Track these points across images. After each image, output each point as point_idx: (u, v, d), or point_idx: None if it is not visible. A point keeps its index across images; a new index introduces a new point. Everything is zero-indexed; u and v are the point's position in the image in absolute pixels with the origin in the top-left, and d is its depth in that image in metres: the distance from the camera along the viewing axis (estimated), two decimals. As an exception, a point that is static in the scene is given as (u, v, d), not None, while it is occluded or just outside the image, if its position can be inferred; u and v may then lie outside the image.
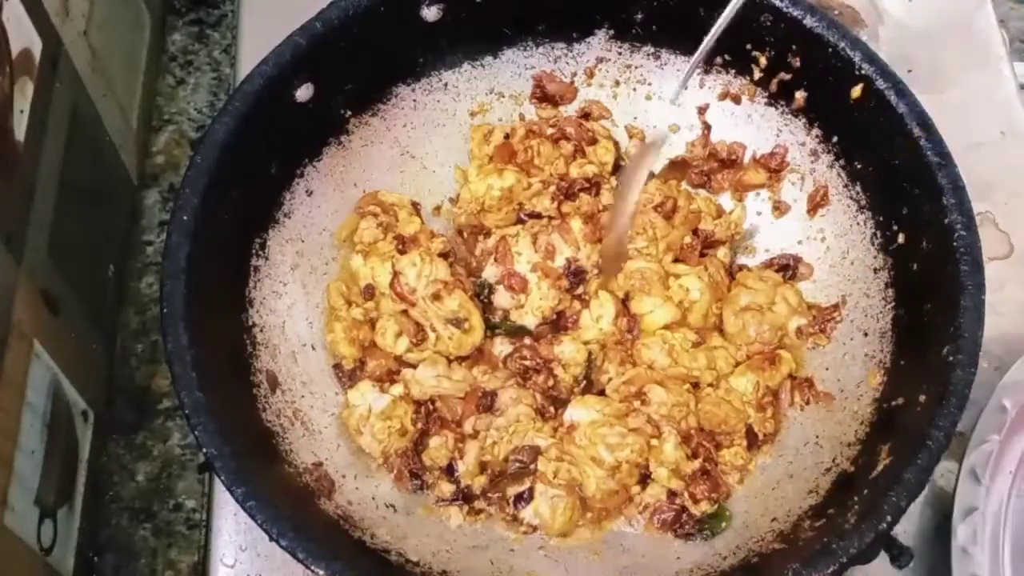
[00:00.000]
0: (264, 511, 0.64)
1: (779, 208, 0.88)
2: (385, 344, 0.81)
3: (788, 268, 0.86)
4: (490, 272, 0.85)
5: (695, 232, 0.86)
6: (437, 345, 0.81)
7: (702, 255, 0.86)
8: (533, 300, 0.84)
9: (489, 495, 0.78)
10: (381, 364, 0.81)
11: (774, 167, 0.88)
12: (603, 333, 0.82)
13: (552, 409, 0.81)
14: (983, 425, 0.80)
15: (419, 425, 0.79)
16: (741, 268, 0.87)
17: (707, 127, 0.90)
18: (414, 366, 0.81)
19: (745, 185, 0.89)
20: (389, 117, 0.89)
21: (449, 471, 0.79)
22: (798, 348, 0.83)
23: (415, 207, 0.88)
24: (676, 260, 0.86)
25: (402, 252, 0.83)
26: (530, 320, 0.84)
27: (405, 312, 0.82)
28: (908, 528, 0.81)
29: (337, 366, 0.82)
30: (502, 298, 0.85)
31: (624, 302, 0.84)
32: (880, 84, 0.77)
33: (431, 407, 0.80)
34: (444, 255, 0.84)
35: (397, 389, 0.80)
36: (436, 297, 0.81)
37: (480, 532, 0.77)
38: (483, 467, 0.79)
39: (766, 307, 0.83)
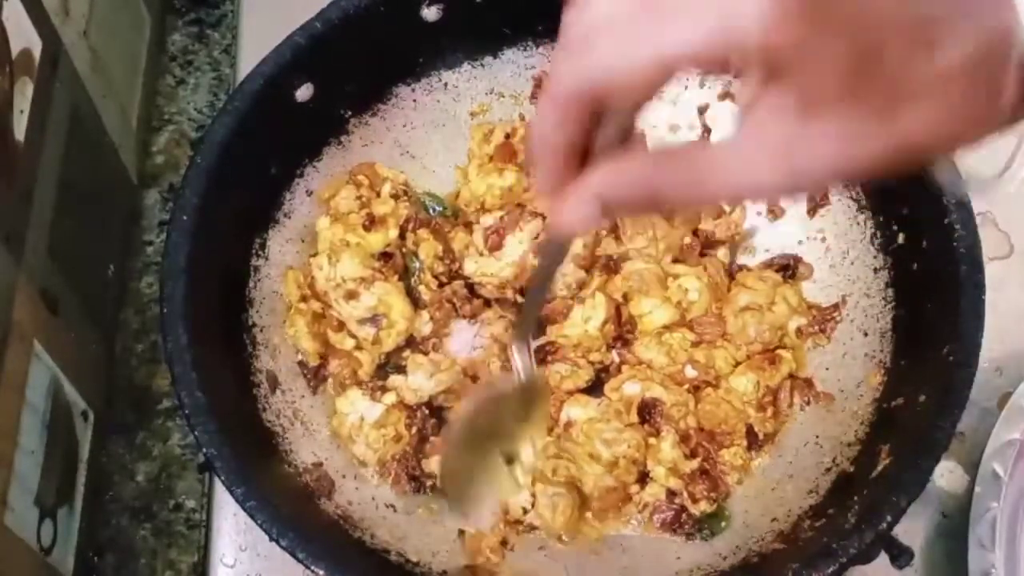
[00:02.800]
0: (264, 511, 0.64)
1: (774, 212, 0.88)
2: (336, 340, 0.81)
3: (788, 268, 0.86)
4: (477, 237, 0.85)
5: (695, 232, 0.86)
6: (362, 344, 0.81)
7: (702, 255, 0.86)
8: (502, 260, 0.83)
9: None
10: (344, 363, 0.81)
11: None
12: (588, 336, 0.82)
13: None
14: (1003, 424, 0.80)
15: (414, 430, 0.79)
16: (741, 268, 0.87)
17: (707, 130, 0.90)
18: (400, 368, 0.81)
19: None
20: (389, 117, 0.89)
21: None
22: (799, 348, 0.83)
23: (406, 189, 0.87)
24: (675, 260, 0.86)
25: (367, 229, 0.83)
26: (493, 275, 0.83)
27: (323, 314, 0.81)
28: (908, 528, 0.81)
29: (302, 363, 0.81)
30: (469, 265, 0.84)
31: (619, 307, 0.83)
32: (880, 84, 0.77)
33: (425, 411, 0.80)
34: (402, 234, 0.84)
35: (389, 397, 0.79)
36: (351, 295, 0.80)
37: (480, 532, 0.77)
38: None
39: (766, 307, 0.83)
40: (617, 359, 0.83)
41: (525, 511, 0.77)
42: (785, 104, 0.38)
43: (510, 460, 0.69)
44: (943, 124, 0.39)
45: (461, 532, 0.77)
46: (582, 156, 0.44)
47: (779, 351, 0.82)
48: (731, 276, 0.86)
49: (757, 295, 0.83)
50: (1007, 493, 0.77)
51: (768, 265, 0.87)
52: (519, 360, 0.65)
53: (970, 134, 0.40)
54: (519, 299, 0.84)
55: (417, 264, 0.85)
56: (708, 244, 0.87)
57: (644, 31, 0.39)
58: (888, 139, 0.38)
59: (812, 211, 0.87)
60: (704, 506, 0.77)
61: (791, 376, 0.82)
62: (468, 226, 0.87)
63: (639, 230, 0.85)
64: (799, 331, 0.83)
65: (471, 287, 0.84)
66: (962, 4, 0.38)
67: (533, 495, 0.77)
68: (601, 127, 0.44)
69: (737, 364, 0.82)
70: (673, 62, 0.38)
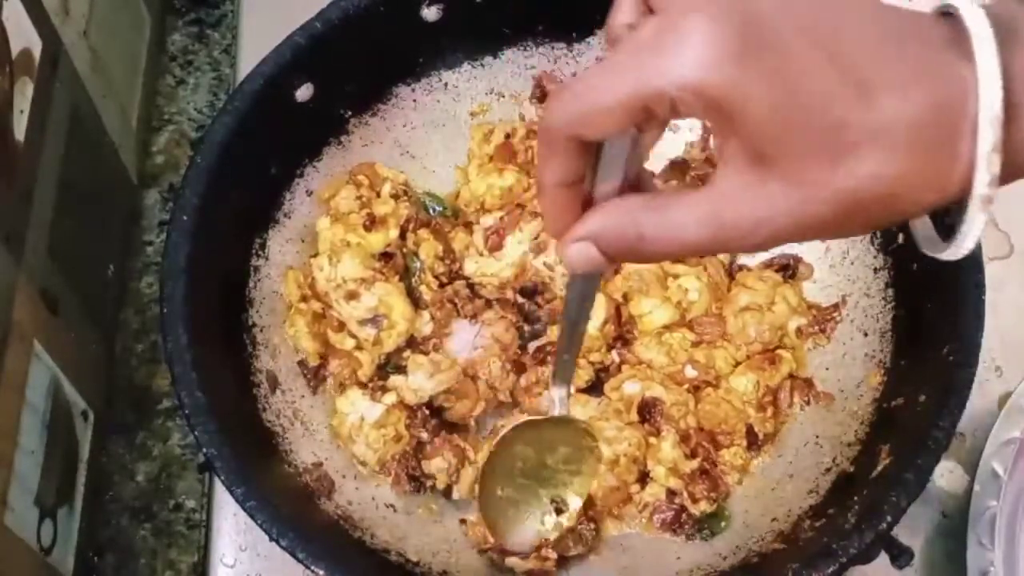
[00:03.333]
0: (264, 511, 0.64)
1: None
2: (336, 340, 0.81)
3: (788, 268, 0.86)
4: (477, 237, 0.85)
5: None
6: (362, 344, 0.81)
7: (702, 255, 0.86)
8: (503, 261, 0.83)
9: None
10: (344, 363, 0.81)
11: None
12: (588, 336, 0.81)
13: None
14: (1003, 423, 0.80)
15: (413, 431, 0.79)
16: (741, 268, 0.87)
17: (707, 131, 0.90)
18: (400, 368, 0.81)
19: None
20: (389, 117, 0.88)
21: (446, 493, 0.79)
22: (799, 348, 0.83)
23: (406, 188, 0.87)
24: (675, 260, 0.86)
25: (368, 229, 0.83)
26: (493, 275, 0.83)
27: (323, 314, 0.81)
28: (908, 528, 0.81)
29: (302, 363, 0.81)
30: (469, 265, 0.84)
31: (619, 307, 0.83)
32: (880, 84, 0.77)
33: (426, 412, 0.80)
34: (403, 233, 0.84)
35: (390, 397, 0.79)
36: (351, 296, 0.80)
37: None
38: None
39: (766, 307, 0.83)
40: (617, 359, 0.83)
41: (525, 511, 0.77)
42: (738, 155, 0.40)
43: (559, 509, 0.74)
44: (891, 180, 0.39)
45: (463, 521, 0.77)
46: (584, 200, 0.46)
47: (779, 351, 0.82)
48: (731, 276, 0.86)
49: (757, 295, 0.83)
50: (1006, 492, 0.78)
51: (768, 265, 0.87)
52: (557, 402, 0.67)
53: (926, 195, 0.40)
54: (519, 299, 0.84)
55: (418, 264, 0.85)
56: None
57: (608, 75, 0.41)
58: (836, 190, 0.39)
59: (812, 211, 0.86)
60: (704, 506, 0.77)
61: (791, 376, 0.82)
62: (468, 226, 0.87)
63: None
64: (799, 331, 0.83)
65: (472, 287, 0.85)
66: (909, 62, 0.38)
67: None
68: (602, 172, 0.45)
69: (737, 364, 0.82)
70: (627, 104, 0.40)
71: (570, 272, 0.49)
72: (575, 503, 0.73)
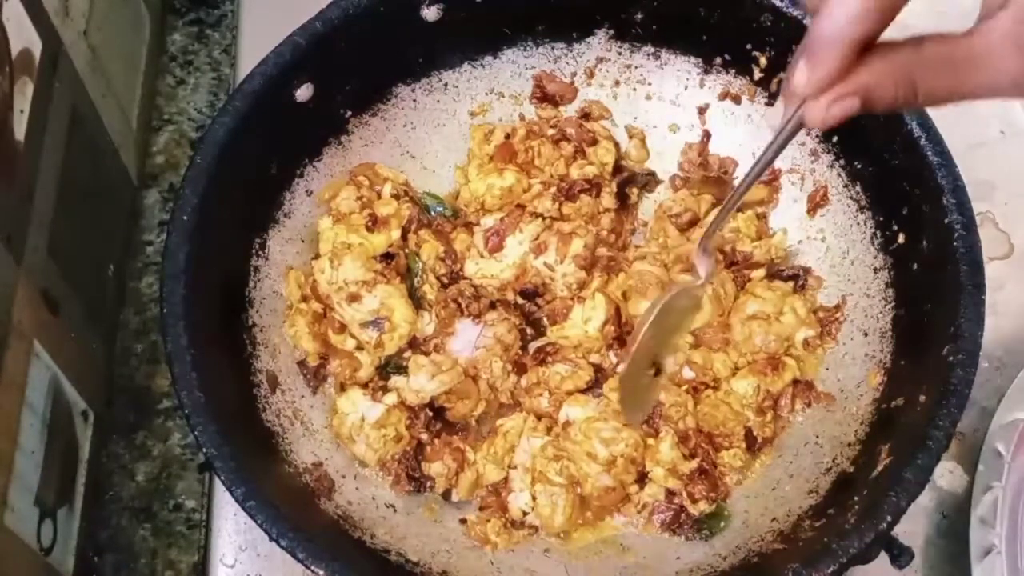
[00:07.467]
0: (264, 511, 0.64)
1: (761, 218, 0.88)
2: (336, 341, 0.81)
3: (798, 278, 0.85)
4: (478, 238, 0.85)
5: (732, 252, 0.86)
6: (363, 346, 0.81)
7: (739, 274, 0.85)
8: (503, 262, 0.83)
9: (487, 506, 0.78)
10: (344, 363, 0.81)
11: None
12: (588, 337, 0.81)
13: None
14: (1006, 405, 0.81)
15: (414, 432, 0.79)
16: (750, 279, 0.86)
17: (707, 135, 0.90)
18: (400, 368, 0.81)
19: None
20: (389, 117, 0.89)
21: (446, 495, 0.79)
22: (806, 359, 0.82)
23: (407, 189, 0.87)
24: (683, 271, 0.85)
25: (370, 230, 0.83)
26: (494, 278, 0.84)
27: (324, 314, 0.81)
28: (908, 528, 0.81)
29: (302, 363, 0.81)
30: (470, 266, 0.85)
31: (619, 307, 0.83)
32: (880, 84, 0.77)
33: (429, 413, 0.80)
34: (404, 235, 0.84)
35: (390, 398, 0.79)
36: (353, 298, 0.80)
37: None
38: (478, 484, 0.79)
39: (773, 317, 0.82)
40: (616, 359, 0.83)
41: (525, 513, 0.77)
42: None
43: (657, 371, 0.74)
44: None
45: (463, 521, 0.77)
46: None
47: (784, 359, 0.81)
48: (740, 287, 0.85)
49: (765, 304, 0.82)
50: (1010, 471, 0.77)
51: (777, 275, 0.85)
52: (702, 262, 0.69)
53: None
54: (519, 301, 0.84)
55: (419, 265, 0.84)
56: (747, 265, 0.85)
57: None
58: None
59: (812, 211, 0.87)
60: (703, 506, 0.77)
61: (793, 381, 0.81)
62: (469, 227, 0.87)
63: (652, 235, 0.85)
64: (806, 343, 0.82)
65: (475, 288, 0.84)
66: None
67: (533, 496, 0.77)
68: None
69: (737, 368, 0.82)
70: None
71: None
72: (671, 362, 0.75)
